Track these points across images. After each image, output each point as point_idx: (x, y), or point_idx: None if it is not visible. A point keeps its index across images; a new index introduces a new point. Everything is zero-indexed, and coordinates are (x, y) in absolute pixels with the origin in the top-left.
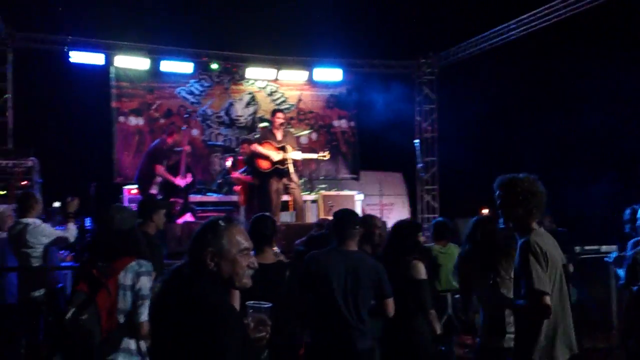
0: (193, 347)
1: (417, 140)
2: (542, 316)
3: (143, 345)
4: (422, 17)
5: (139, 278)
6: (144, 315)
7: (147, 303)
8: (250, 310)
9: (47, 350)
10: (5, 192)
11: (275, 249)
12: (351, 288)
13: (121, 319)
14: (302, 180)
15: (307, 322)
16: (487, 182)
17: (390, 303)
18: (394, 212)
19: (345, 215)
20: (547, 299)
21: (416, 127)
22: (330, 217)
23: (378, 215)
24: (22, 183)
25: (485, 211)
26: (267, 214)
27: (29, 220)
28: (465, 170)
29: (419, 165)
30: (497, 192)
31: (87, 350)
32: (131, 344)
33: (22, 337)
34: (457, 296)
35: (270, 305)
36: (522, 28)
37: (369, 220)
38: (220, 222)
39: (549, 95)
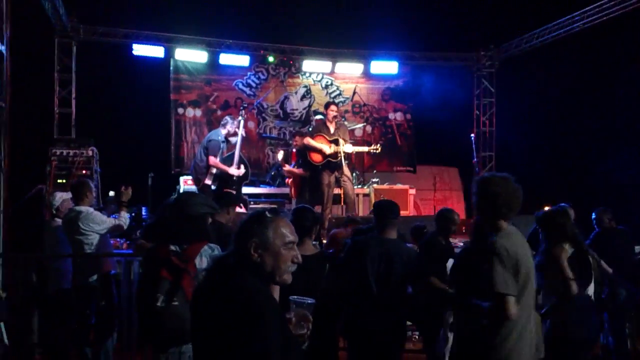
0: (233, 337)
1: (473, 135)
2: (505, 319)
3: None
4: (482, 9)
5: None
6: None
7: None
8: (294, 305)
9: (98, 334)
10: (65, 180)
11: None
12: (384, 273)
13: None
14: (355, 174)
15: (344, 304)
16: (546, 178)
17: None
18: (448, 207)
19: (386, 206)
20: (511, 301)
21: (474, 121)
22: None
23: (432, 209)
24: (82, 172)
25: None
26: (307, 205)
27: (82, 208)
28: (524, 165)
29: (475, 160)
30: (473, 192)
31: (181, 335)
32: None
33: (74, 321)
34: None
35: (313, 301)
36: (586, 20)
37: (446, 214)
38: (266, 213)
39: (613, 89)
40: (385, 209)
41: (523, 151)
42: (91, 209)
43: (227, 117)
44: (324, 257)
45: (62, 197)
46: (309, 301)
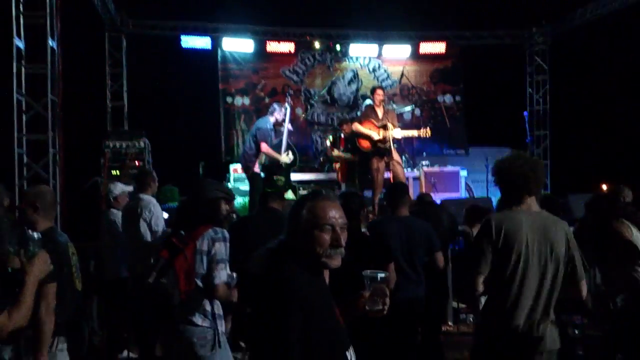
0: (259, 320)
1: (526, 112)
2: (472, 293)
3: (218, 307)
4: None
5: (214, 243)
6: (218, 278)
7: (221, 266)
8: (368, 281)
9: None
10: (119, 172)
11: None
12: (407, 246)
13: (199, 282)
14: (404, 157)
15: None
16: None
17: (440, 256)
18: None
19: (396, 187)
20: (478, 279)
21: (527, 99)
22: (432, 193)
23: (484, 190)
24: (135, 163)
25: (604, 187)
26: (354, 189)
27: (144, 196)
28: (580, 144)
29: (529, 139)
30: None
31: (168, 311)
32: (207, 305)
33: (132, 308)
34: None
35: (385, 274)
36: None
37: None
38: (306, 195)
39: None
40: (397, 191)
41: (579, 129)
42: (154, 200)
43: (275, 105)
44: (376, 240)
45: (122, 189)
46: (382, 275)
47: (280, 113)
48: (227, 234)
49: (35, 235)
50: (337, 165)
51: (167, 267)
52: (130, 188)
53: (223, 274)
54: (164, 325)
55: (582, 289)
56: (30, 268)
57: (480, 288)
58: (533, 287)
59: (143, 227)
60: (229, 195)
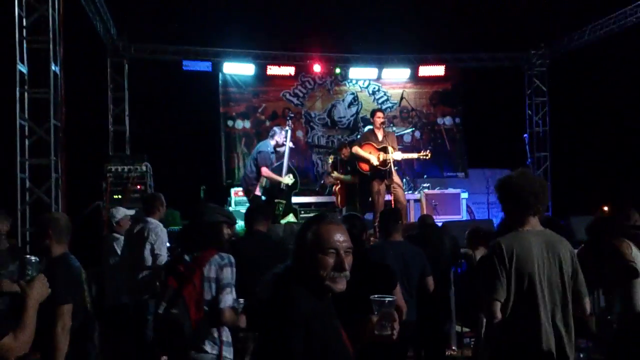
0: (264, 342)
1: (526, 135)
2: (490, 320)
3: (226, 334)
4: (531, 6)
5: (222, 270)
6: (224, 303)
7: (227, 291)
8: (376, 306)
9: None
10: (120, 196)
11: None
12: (404, 271)
13: (206, 309)
14: (405, 180)
15: None
16: (604, 178)
17: (430, 281)
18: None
19: (389, 213)
20: (495, 306)
21: (527, 121)
22: (433, 215)
23: (486, 212)
24: (137, 187)
25: (605, 209)
26: (355, 213)
27: (152, 220)
28: (580, 165)
29: (529, 161)
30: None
31: (180, 341)
32: (214, 331)
33: (133, 335)
34: None
35: (393, 298)
36: None
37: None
38: (312, 219)
39: None
40: (389, 215)
41: (579, 151)
42: (161, 225)
43: (275, 128)
44: (381, 263)
45: (124, 213)
46: (389, 299)
47: (280, 136)
48: (232, 259)
49: (33, 259)
50: (337, 188)
51: (177, 296)
52: (132, 212)
53: (229, 298)
54: (174, 354)
55: (586, 306)
56: (30, 291)
57: (499, 315)
58: (549, 306)
59: (147, 250)
60: (230, 219)
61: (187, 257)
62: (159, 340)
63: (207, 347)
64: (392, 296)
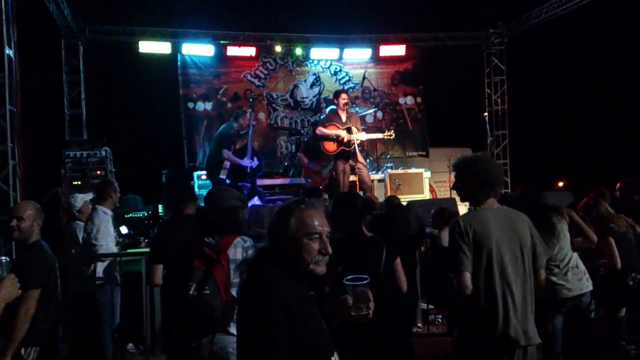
0: (244, 330)
1: (486, 113)
2: (460, 292)
3: None
4: None
5: (247, 252)
6: None
7: None
8: (350, 288)
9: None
10: (80, 182)
11: None
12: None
13: (234, 292)
14: (368, 160)
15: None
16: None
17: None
18: None
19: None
20: (465, 277)
21: (486, 100)
22: (399, 195)
23: (448, 191)
24: (97, 173)
25: (560, 184)
26: (354, 191)
27: (99, 208)
28: (538, 142)
29: (489, 139)
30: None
31: (211, 323)
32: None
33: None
34: None
35: (368, 279)
36: None
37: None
38: (292, 204)
39: (628, 61)
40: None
41: (537, 128)
42: (103, 213)
43: (238, 110)
44: (381, 241)
45: (83, 199)
46: (365, 281)
47: (245, 119)
48: (252, 242)
49: (3, 259)
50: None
51: (206, 278)
52: (90, 196)
53: None
54: (201, 336)
55: (540, 277)
56: None
57: (470, 285)
58: (511, 281)
59: (83, 239)
60: (244, 203)
61: (207, 240)
62: (190, 322)
63: (232, 329)
64: (366, 276)
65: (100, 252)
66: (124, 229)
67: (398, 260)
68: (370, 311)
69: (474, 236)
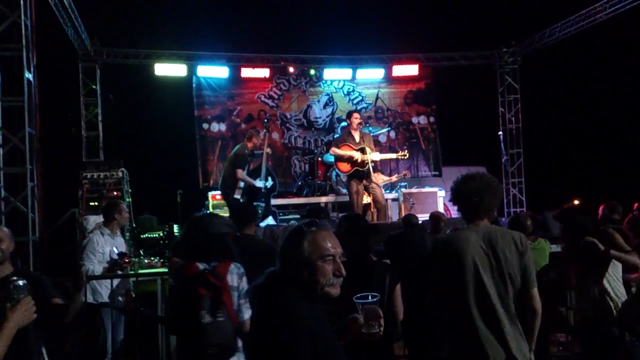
0: (266, 354)
1: (500, 132)
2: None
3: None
4: (501, 4)
5: (242, 279)
6: (247, 314)
7: (247, 301)
8: (359, 306)
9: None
10: (97, 203)
11: None
12: None
13: (240, 318)
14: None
15: None
16: (576, 172)
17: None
18: None
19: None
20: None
21: (500, 119)
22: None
23: None
24: (113, 193)
25: (576, 202)
26: (359, 213)
27: (100, 230)
28: (553, 161)
29: (504, 158)
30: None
31: (228, 350)
32: (239, 341)
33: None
34: None
35: (377, 296)
36: (610, 10)
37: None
38: (304, 227)
39: None
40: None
41: (552, 146)
42: (97, 236)
43: (251, 130)
44: (385, 266)
45: (94, 221)
46: (372, 298)
47: (258, 138)
48: (242, 269)
49: (21, 282)
50: None
51: (217, 305)
52: (101, 217)
53: (247, 308)
54: None
55: (533, 297)
56: (12, 315)
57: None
58: (491, 303)
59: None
60: (234, 229)
61: (202, 266)
62: (206, 350)
63: (234, 357)
64: (376, 294)
65: (86, 271)
66: (115, 250)
67: (398, 287)
68: (382, 328)
69: (452, 257)
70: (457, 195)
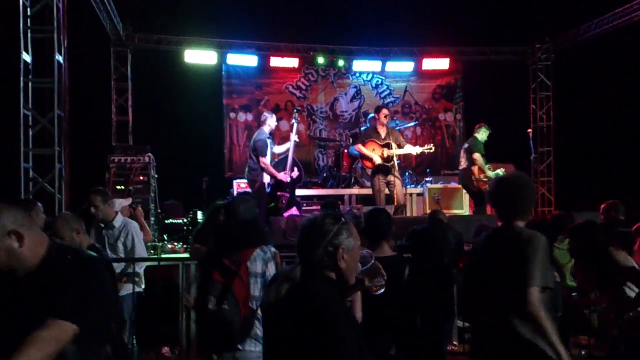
0: (311, 347)
1: (530, 130)
2: None
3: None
4: (536, 0)
5: (267, 265)
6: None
7: None
8: (360, 266)
9: None
10: (124, 187)
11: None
12: None
13: (254, 306)
14: (408, 173)
15: None
16: (607, 173)
17: None
18: None
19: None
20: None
21: (531, 116)
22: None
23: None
24: (140, 178)
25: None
26: (383, 207)
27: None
28: (585, 161)
29: (533, 156)
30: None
31: (229, 338)
32: (258, 330)
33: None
34: (574, 294)
35: (373, 257)
36: None
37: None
38: (337, 218)
39: None
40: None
41: (583, 146)
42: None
43: (266, 114)
44: (403, 259)
45: (121, 204)
46: (372, 260)
47: (272, 120)
48: (273, 251)
49: None
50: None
51: (226, 292)
52: (129, 201)
53: None
54: (220, 352)
55: (529, 295)
56: None
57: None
58: (487, 302)
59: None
60: (259, 211)
61: (229, 252)
62: (209, 338)
63: (251, 346)
64: (367, 254)
65: None
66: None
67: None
68: (385, 279)
69: (473, 258)
70: (493, 197)
